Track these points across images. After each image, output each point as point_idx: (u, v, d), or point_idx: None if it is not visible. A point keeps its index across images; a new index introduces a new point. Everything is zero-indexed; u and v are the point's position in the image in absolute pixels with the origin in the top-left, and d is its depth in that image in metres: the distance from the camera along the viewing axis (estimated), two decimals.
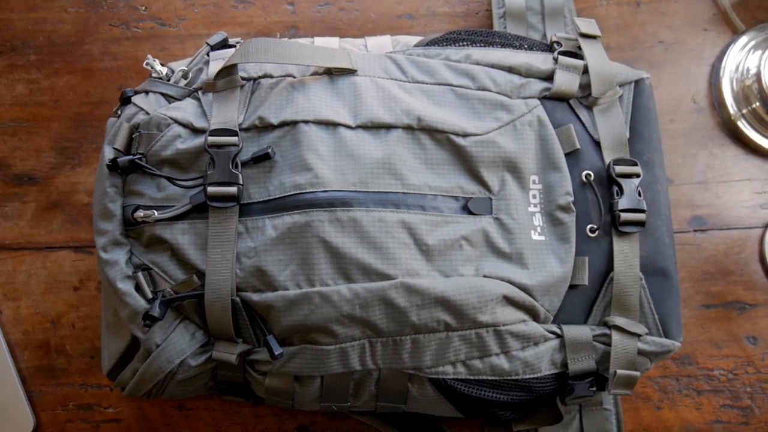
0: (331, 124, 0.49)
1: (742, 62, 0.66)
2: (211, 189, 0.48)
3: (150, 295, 0.49)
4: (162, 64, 0.54)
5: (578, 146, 0.52)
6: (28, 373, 0.63)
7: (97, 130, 0.66)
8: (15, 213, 0.65)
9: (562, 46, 0.56)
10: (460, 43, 0.56)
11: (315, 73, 0.52)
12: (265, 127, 0.50)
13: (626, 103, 0.55)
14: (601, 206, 0.52)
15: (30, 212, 0.65)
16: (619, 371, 0.50)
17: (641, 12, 0.69)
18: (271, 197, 0.48)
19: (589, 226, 0.51)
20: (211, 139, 0.49)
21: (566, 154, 0.52)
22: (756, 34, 0.68)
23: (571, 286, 0.51)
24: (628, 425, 0.62)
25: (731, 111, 0.66)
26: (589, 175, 0.52)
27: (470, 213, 0.50)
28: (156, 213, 0.49)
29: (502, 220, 0.50)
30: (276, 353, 0.47)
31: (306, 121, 0.49)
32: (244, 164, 0.49)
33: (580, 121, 0.53)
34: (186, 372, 0.50)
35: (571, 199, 0.51)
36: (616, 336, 0.50)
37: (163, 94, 0.53)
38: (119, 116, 0.52)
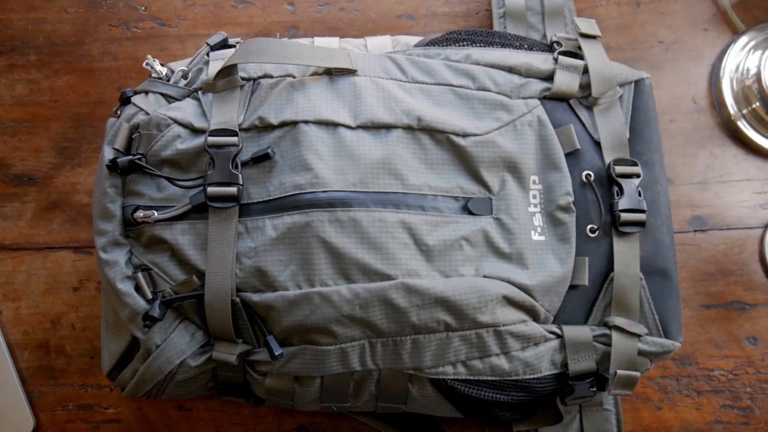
0: (331, 124, 0.49)
1: (742, 62, 0.66)
2: (211, 189, 0.48)
3: (150, 296, 0.49)
4: (162, 64, 0.54)
5: (578, 146, 0.52)
6: (28, 373, 0.63)
7: (96, 130, 0.66)
8: (15, 213, 0.65)
9: (562, 46, 0.56)
10: (460, 43, 0.55)
11: (315, 73, 0.52)
12: (265, 127, 0.50)
13: (626, 103, 0.55)
14: (601, 206, 0.52)
15: (30, 212, 0.65)
16: (620, 371, 0.50)
17: (641, 12, 0.69)
18: (271, 197, 0.48)
19: (589, 227, 0.51)
20: (211, 139, 0.49)
21: (566, 154, 0.52)
22: (756, 35, 0.68)
23: (571, 287, 0.51)
24: (628, 425, 0.62)
25: (731, 111, 0.66)
26: (590, 175, 0.52)
27: (470, 213, 0.50)
28: (156, 213, 0.49)
29: (502, 220, 0.50)
30: (276, 354, 0.47)
31: (306, 121, 0.49)
32: (244, 164, 0.49)
33: (580, 121, 0.53)
34: (186, 372, 0.50)
35: (571, 199, 0.51)
36: (616, 336, 0.50)
37: (162, 95, 0.53)
38: (119, 116, 0.52)
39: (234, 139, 0.49)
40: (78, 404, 0.62)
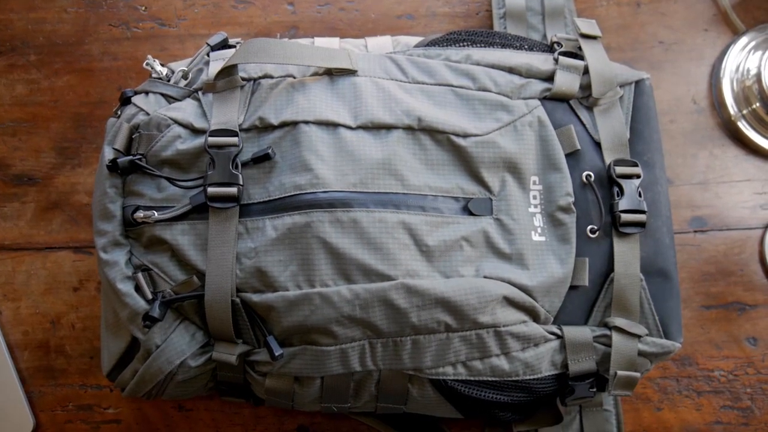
0: (331, 125, 0.49)
1: (742, 63, 0.66)
2: (211, 189, 0.48)
3: (150, 296, 0.49)
4: (162, 65, 0.54)
5: (579, 147, 0.52)
6: (28, 373, 0.63)
7: (96, 130, 0.66)
8: (14, 213, 0.65)
9: (562, 46, 0.56)
10: (461, 44, 0.55)
11: (315, 74, 0.52)
12: (265, 128, 0.50)
13: (626, 104, 0.55)
14: (601, 207, 0.52)
15: (30, 212, 0.65)
16: (620, 372, 0.50)
17: (641, 12, 0.69)
18: (271, 198, 0.48)
19: (589, 227, 0.51)
20: (211, 139, 0.49)
21: (567, 155, 0.52)
22: (756, 35, 0.68)
23: (572, 287, 0.51)
24: (629, 426, 0.62)
25: (731, 111, 0.66)
26: (590, 175, 0.52)
27: (470, 214, 0.50)
28: (156, 213, 0.49)
29: (502, 220, 0.50)
30: (276, 354, 0.47)
31: (306, 122, 0.49)
32: (244, 165, 0.49)
33: (581, 122, 0.53)
34: (186, 373, 0.50)
35: (571, 199, 0.51)
36: (616, 337, 0.50)
37: (163, 95, 0.53)
38: (119, 116, 0.52)
39: (234, 140, 0.49)
40: (78, 404, 0.62)
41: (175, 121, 0.50)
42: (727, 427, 0.62)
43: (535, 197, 0.51)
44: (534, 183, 0.52)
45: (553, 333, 0.50)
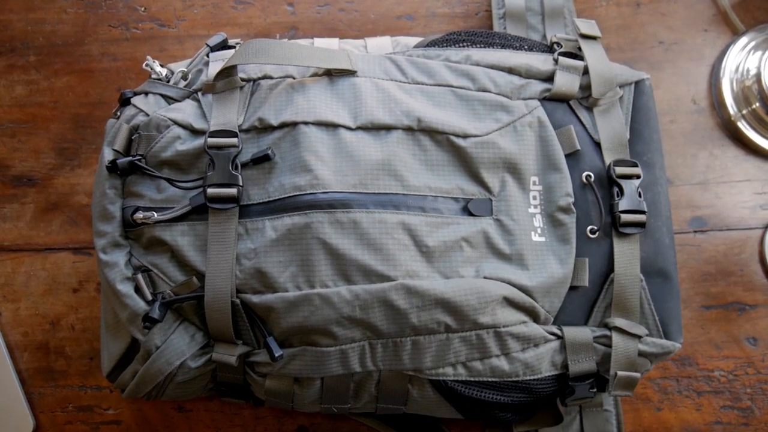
0: (331, 126, 0.49)
1: (742, 63, 0.66)
2: (210, 190, 0.48)
3: (150, 297, 0.49)
4: (161, 65, 0.54)
5: (578, 147, 0.52)
6: (28, 374, 0.63)
7: (96, 131, 0.66)
8: (14, 214, 0.65)
9: (562, 47, 0.56)
10: (460, 44, 0.55)
11: (315, 74, 0.52)
12: (264, 129, 0.50)
13: (626, 104, 0.55)
14: (601, 207, 0.52)
15: (29, 213, 0.65)
16: (620, 372, 0.50)
17: (641, 13, 0.69)
18: (271, 198, 0.48)
19: (589, 227, 0.51)
20: (211, 140, 0.49)
21: (566, 155, 0.52)
22: (756, 35, 0.68)
23: (572, 288, 0.51)
24: (629, 426, 0.62)
25: (731, 112, 0.66)
26: (590, 176, 0.52)
27: (470, 214, 0.50)
28: (156, 214, 0.49)
29: (502, 221, 0.50)
30: (276, 355, 0.47)
31: (306, 123, 0.49)
32: (244, 165, 0.49)
33: (581, 122, 0.53)
34: (186, 374, 0.50)
35: (571, 200, 0.51)
36: (616, 337, 0.50)
37: (162, 96, 0.53)
38: (119, 117, 0.52)
39: (234, 140, 0.49)
40: (78, 405, 0.62)
41: (175, 122, 0.50)
42: (727, 428, 0.62)
43: (534, 198, 0.51)
44: (534, 183, 0.52)
45: (553, 333, 0.50)
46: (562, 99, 0.53)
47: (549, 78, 0.54)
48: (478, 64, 0.53)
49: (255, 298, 0.47)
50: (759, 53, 0.66)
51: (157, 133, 0.50)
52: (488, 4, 0.69)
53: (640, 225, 0.51)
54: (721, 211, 0.65)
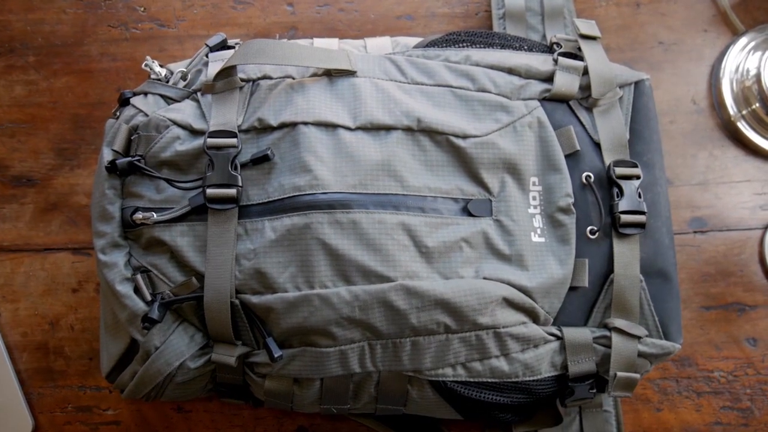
0: (330, 126, 0.49)
1: (742, 63, 0.66)
2: (210, 191, 0.48)
3: (149, 298, 0.48)
4: (161, 66, 0.54)
5: (578, 148, 0.52)
6: (27, 375, 0.63)
7: (95, 131, 0.66)
8: (13, 214, 0.65)
9: (561, 47, 0.56)
10: (460, 44, 0.55)
11: (314, 75, 0.52)
12: (264, 129, 0.50)
13: (626, 105, 0.54)
14: (601, 208, 0.51)
15: (28, 214, 0.65)
16: (619, 373, 0.50)
17: (641, 13, 0.69)
18: (270, 199, 0.48)
19: (589, 228, 0.51)
20: (210, 140, 0.49)
21: (566, 156, 0.52)
22: (756, 35, 0.68)
23: (571, 288, 0.51)
24: (628, 427, 0.62)
25: (731, 112, 0.66)
26: (589, 176, 0.52)
27: (470, 215, 0.50)
28: (155, 215, 0.49)
29: (501, 221, 0.50)
30: (275, 355, 0.47)
31: (305, 123, 0.49)
32: (243, 166, 0.49)
33: (580, 123, 0.53)
34: (185, 374, 0.49)
35: (571, 200, 0.51)
36: (616, 338, 0.50)
37: (162, 96, 0.53)
38: (118, 118, 0.52)
39: (233, 141, 0.49)
40: (77, 406, 0.62)
41: (174, 123, 0.50)
42: (726, 428, 0.62)
43: (534, 198, 0.51)
44: (533, 184, 0.52)
45: (552, 334, 0.50)
46: (562, 99, 0.53)
47: (549, 78, 0.54)
48: (477, 65, 0.53)
49: (254, 299, 0.47)
50: (759, 53, 0.66)
51: (157, 133, 0.50)
52: (488, 4, 0.69)
53: (640, 225, 0.51)
54: (721, 211, 0.65)
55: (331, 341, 0.47)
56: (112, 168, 0.49)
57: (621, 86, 0.55)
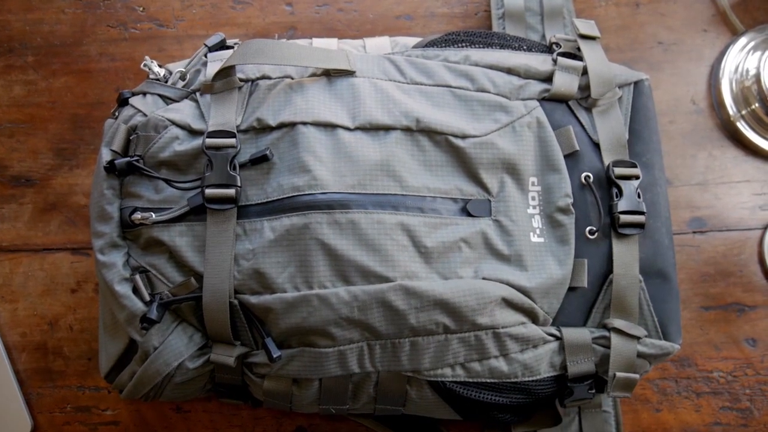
0: (329, 126, 0.49)
1: (741, 63, 0.66)
2: (208, 191, 0.48)
3: (147, 298, 0.48)
4: (160, 66, 0.54)
5: (577, 148, 0.52)
6: (26, 375, 0.63)
7: (94, 131, 0.66)
8: (12, 214, 0.65)
9: (561, 47, 0.56)
10: (459, 44, 0.55)
11: (313, 75, 0.52)
12: (263, 129, 0.50)
13: (625, 105, 0.54)
14: (600, 208, 0.51)
15: (27, 214, 0.65)
16: (619, 374, 0.50)
17: (640, 13, 0.69)
18: (269, 199, 0.48)
19: (588, 228, 0.51)
20: (209, 140, 0.49)
21: (565, 156, 0.52)
22: (755, 35, 0.67)
23: (571, 289, 0.51)
24: (628, 427, 0.62)
25: (730, 112, 0.66)
26: (589, 176, 0.52)
27: (469, 215, 0.50)
28: (154, 215, 0.49)
29: (501, 222, 0.50)
30: (274, 356, 0.47)
31: (304, 123, 0.49)
32: (242, 166, 0.49)
33: (580, 123, 0.53)
34: (184, 375, 0.49)
35: (570, 200, 0.51)
36: (615, 338, 0.50)
37: (160, 96, 0.52)
38: (117, 118, 0.52)
39: (232, 141, 0.49)
40: (76, 406, 0.62)
41: (173, 123, 0.50)
42: (726, 428, 0.62)
43: (533, 198, 0.51)
44: (533, 184, 0.52)
45: (551, 334, 0.50)
46: (561, 99, 0.53)
47: (548, 78, 0.54)
48: (476, 65, 0.53)
49: (253, 299, 0.47)
50: (758, 53, 0.66)
51: (155, 133, 0.50)
52: (487, 4, 0.69)
53: (639, 226, 0.51)
54: (721, 211, 0.65)
55: (330, 341, 0.47)
56: (110, 168, 0.49)
57: (620, 86, 0.54)
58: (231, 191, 0.48)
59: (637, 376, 0.50)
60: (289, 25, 0.69)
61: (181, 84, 0.53)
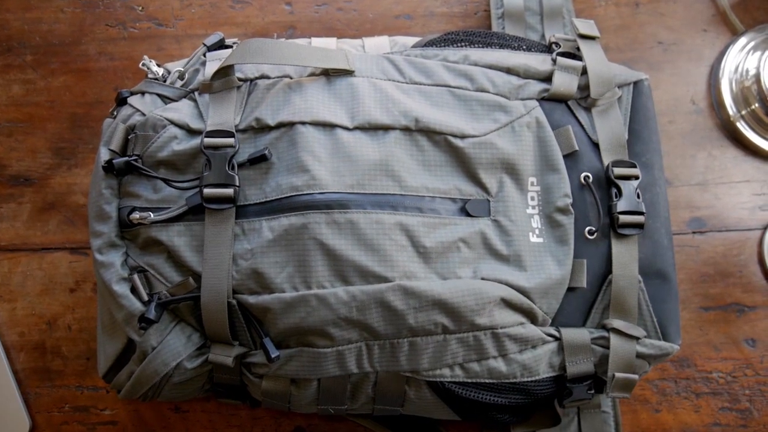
0: (328, 126, 0.49)
1: (741, 63, 0.66)
2: (207, 191, 0.48)
3: (146, 298, 0.48)
4: (158, 65, 0.54)
5: (577, 148, 0.52)
6: (24, 375, 0.63)
7: (93, 131, 0.66)
8: (11, 214, 0.65)
9: (560, 47, 0.56)
10: (458, 44, 0.55)
11: (312, 74, 0.52)
12: (261, 129, 0.50)
13: (625, 105, 0.54)
14: (599, 208, 0.51)
15: (26, 213, 0.65)
16: (618, 374, 0.50)
17: (640, 13, 0.69)
18: (267, 199, 0.48)
19: (587, 228, 0.51)
20: (208, 140, 0.49)
21: (565, 156, 0.52)
22: (755, 35, 0.67)
23: (570, 289, 0.51)
24: (627, 428, 0.62)
25: (730, 112, 0.66)
26: (588, 176, 0.52)
27: (468, 215, 0.50)
28: (152, 215, 0.48)
29: (500, 222, 0.50)
30: (272, 356, 0.47)
31: (303, 123, 0.49)
32: (241, 166, 0.49)
33: (579, 123, 0.53)
34: (182, 375, 0.49)
35: (569, 201, 0.51)
36: (614, 339, 0.50)
37: (159, 95, 0.52)
38: (115, 117, 0.52)
39: (230, 140, 0.49)
40: (74, 406, 0.62)
41: (171, 122, 0.50)
42: (725, 429, 0.62)
43: (533, 198, 0.51)
44: (532, 184, 0.51)
45: (550, 335, 0.50)
46: (561, 99, 0.53)
47: (547, 78, 0.54)
48: (476, 64, 0.53)
49: (251, 299, 0.47)
50: (758, 53, 0.66)
51: (154, 132, 0.50)
52: (487, 4, 0.69)
53: (639, 226, 0.51)
54: (720, 212, 0.65)
55: (329, 342, 0.47)
56: (109, 167, 0.49)
57: (620, 86, 0.54)
58: (229, 191, 0.48)
59: (636, 376, 0.50)
60: (288, 25, 0.69)
61: (179, 83, 0.53)
